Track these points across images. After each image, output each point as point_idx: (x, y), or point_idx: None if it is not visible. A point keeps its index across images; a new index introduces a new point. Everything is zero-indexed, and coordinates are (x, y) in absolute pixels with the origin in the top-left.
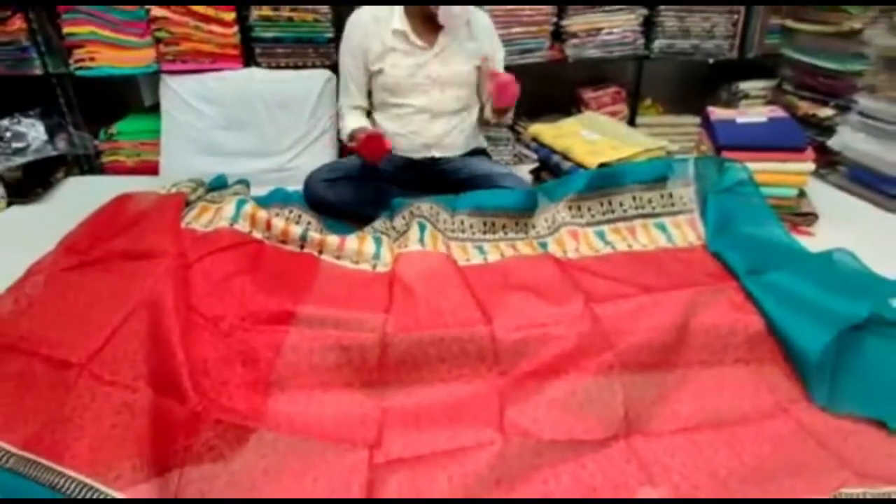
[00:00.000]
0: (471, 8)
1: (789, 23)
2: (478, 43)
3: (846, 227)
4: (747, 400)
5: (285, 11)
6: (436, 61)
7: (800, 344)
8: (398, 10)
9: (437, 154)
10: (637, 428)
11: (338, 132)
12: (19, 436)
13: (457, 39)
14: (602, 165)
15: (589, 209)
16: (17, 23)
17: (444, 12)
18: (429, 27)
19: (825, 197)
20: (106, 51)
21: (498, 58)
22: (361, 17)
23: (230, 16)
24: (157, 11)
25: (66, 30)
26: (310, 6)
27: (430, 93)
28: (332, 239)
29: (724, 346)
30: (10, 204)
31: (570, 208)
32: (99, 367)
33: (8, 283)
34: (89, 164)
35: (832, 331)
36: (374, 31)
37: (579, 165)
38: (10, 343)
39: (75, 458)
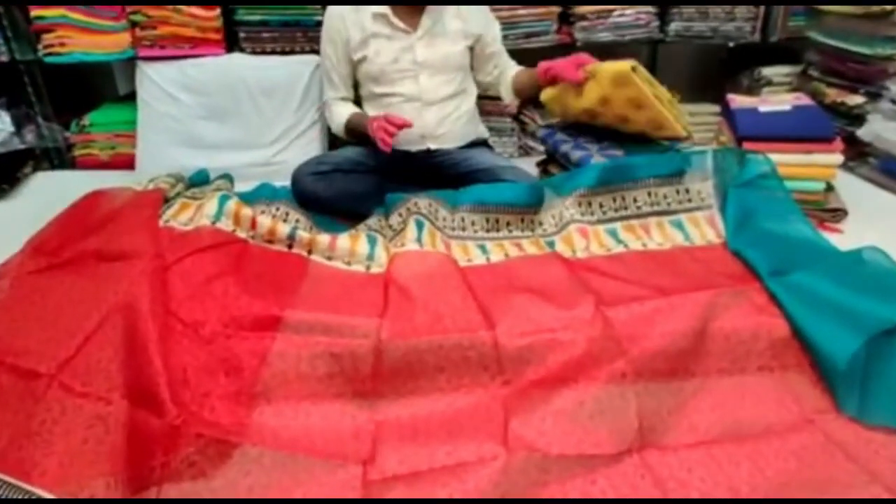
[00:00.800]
0: None
1: (815, 4)
2: (465, 23)
3: (877, 224)
4: (771, 411)
5: None
6: (421, 44)
7: (827, 350)
8: None
9: (433, 146)
10: (651, 441)
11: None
12: None
13: (441, 20)
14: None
15: (600, 205)
16: None
17: None
18: (411, 8)
19: (855, 191)
20: (77, 35)
21: (492, 35)
22: (337, 10)
23: None
24: None
25: (33, 13)
26: None
27: (418, 79)
28: (323, 238)
29: (746, 352)
30: None
31: (579, 204)
32: (70, 378)
33: None
34: (60, 158)
35: (862, 336)
36: (354, 20)
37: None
38: None
39: (44, 476)
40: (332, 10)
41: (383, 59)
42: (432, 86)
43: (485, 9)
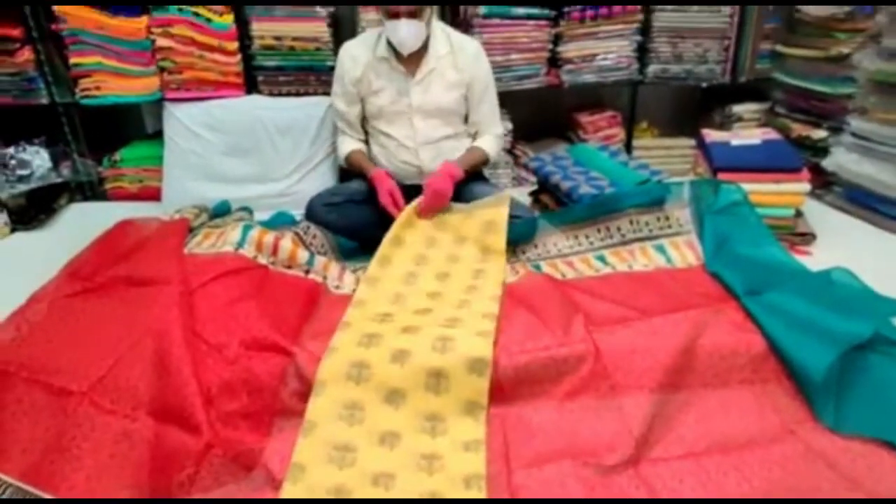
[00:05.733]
0: (454, 38)
1: (779, 48)
2: (461, 74)
3: (844, 246)
4: (753, 422)
5: (287, 41)
6: (417, 89)
7: (803, 363)
8: (384, 38)
9: None
10: (643, 454)
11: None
12: (17, 465)
13: (439, 68)
14: None
15: (587, 237)
16: (26, 54)
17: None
18: (411, 55)
19: (822, 217)
20: (112, 80)
21: (477, 88)
22: (349, 50)
23: (233, 45)
24: (161, 42)
25: (72, 60)
26: (310, 37)
27: (412, 121)
28: (333, 271)
29: (728, 367)
30: (13, 230)
31: (567, 238)
32: (100, 396)
33: (10, 310)
34: (93, 191)
35: (836, 350)
36: (365, 60)
37: None
38: (12, 371)
39: (72, 490)
40: (344, 50)
41: (382, 99)
42: (426, 128)
43: (479, 61)
